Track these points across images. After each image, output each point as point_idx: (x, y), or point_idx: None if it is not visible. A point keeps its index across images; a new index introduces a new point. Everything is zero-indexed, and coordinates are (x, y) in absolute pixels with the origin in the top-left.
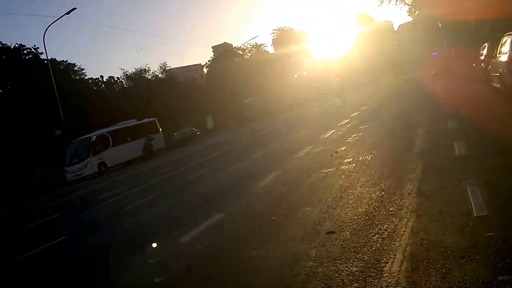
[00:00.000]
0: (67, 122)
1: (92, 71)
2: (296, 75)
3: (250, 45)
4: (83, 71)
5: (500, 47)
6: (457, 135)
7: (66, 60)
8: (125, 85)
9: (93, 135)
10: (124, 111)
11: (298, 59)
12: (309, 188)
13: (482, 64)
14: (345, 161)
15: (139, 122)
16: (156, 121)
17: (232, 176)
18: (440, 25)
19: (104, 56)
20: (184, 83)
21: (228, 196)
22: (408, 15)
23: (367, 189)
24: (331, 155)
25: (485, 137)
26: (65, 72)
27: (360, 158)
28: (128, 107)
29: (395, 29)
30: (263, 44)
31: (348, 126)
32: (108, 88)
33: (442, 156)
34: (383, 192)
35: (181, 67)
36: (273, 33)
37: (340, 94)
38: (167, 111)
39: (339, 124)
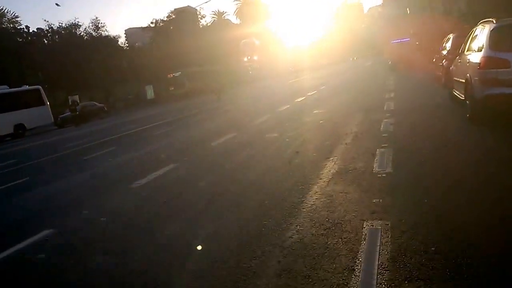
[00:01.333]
0: None
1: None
2: (246, 59)
3: (212, 11)
4: (17, 18)
5: (470, 41)
6: (387, 189)
7: None
8: (56, 40)
9: None
10: (47, 70)
11: (250, 41)
12: None
13: (444, 61)
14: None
15: (12, 90)
16: (41, 91)
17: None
18: (408, 12)
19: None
20: (124, 45)
21: None
22: None
23: None
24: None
25: (441, 216)
26: None
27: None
28: (52, 66)
29: (365, 11)
30: (225, 12)
31: (262, 126)
32: (35, 42)
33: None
34: None
35: (142, 27)
36: (236, 0)
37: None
38: (97, 76)
39: (256, 122)
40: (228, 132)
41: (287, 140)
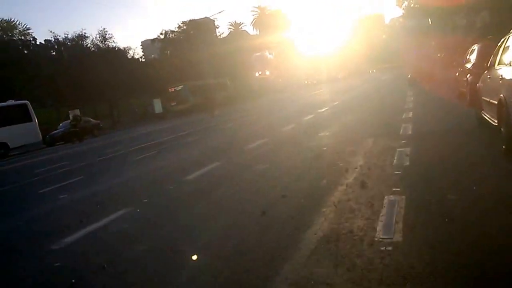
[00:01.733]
0: None
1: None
2: (257, 74)
3: (229, 22)
4: (28, 31)
5: (502, 53)
6: (391, 279)
7: None
8: (62, 52)
9: None
10: (56, 82)
11: (261, 55)
12: None
13: (468, 76)
14: None
15: None
16: (29, 106)
17: None
18: (430, 22)
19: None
20: (134, 56)
21: None
22: (396, 5)
23: None
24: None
25: None
26: None
27: None
28: (60, 78)
29: (387, 22)
30: (242, 23)
31: (254, 153)
32: (39, 54)
33: None
34: None
35: (151, 39)
36: (253, 11)
37: None
38: (104, 89)
39: (249, 147)
40: (211, 160)
41: (276, 175)
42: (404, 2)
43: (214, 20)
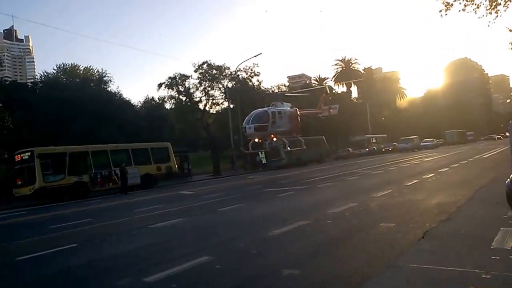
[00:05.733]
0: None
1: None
2: (256, 140)
3: (313, 77)
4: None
5: None
6: None
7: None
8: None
9: None
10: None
11: (263, 112)
12: None
13: None
14: None
15: None
16: None
17: None
18: None
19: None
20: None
21: None
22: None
23: None
24: None
25: None
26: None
27: None
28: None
29: None
30: (327, 78)
31: None
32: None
33: None
34: None
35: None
36: (336, 64)
37: None
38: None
39: None
40: None
41: None
42: None
43: (310, 77)
